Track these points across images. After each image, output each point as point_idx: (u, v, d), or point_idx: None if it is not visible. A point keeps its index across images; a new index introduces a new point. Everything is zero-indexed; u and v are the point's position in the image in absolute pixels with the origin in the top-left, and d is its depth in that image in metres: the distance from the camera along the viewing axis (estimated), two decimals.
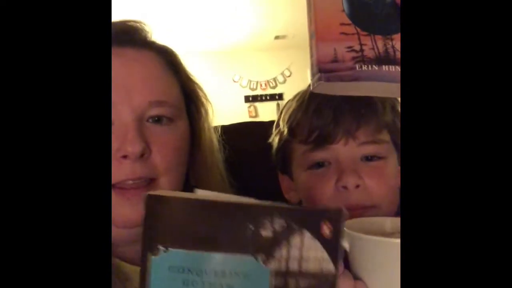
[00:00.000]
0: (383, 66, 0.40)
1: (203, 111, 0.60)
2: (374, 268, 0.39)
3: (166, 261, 0.28)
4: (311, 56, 0.40)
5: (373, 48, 0.40)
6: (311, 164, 0.59)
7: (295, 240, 0.27)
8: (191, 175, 0.57)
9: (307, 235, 0.28)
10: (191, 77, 0.59)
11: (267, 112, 4.50)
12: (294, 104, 0.62)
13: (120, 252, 0.50)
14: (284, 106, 0.66)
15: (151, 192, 0.31)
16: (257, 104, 4.69)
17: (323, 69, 0.39)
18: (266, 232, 0.27)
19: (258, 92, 4.69)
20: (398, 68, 0.40)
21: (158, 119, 0.50)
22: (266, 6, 3.44)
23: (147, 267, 0.29)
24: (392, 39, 0.40)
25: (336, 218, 0.28)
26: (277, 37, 4.30)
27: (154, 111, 0.49)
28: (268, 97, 4.69)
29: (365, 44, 0.40)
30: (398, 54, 0.40)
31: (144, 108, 0.49)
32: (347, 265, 0.41)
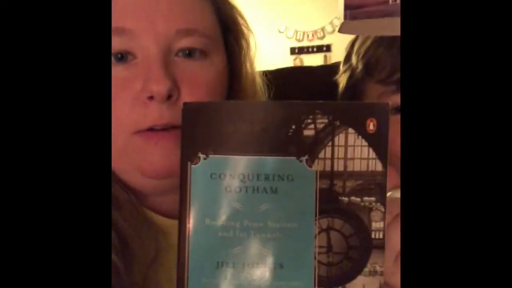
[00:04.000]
0: None
1: (243, 43, 0.51)
2: None
3: (207, 168, 0.28)
4: None
5: None
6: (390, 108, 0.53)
7: (340, 138, 0.26)
8: None
9: (352, 133, 0.26)
10: (229, 0, 0.50)
11: (313, 64, 4.44)
12: (372, 36, 0.54)
13: (152, 202, 0.47)
14: (356, 38, 0.58)
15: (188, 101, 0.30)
16: (303, 56, 4.55)
17: (349, 4, 0.35)
18: (309, 132, 0.26)
19: (305, 43, 4.52)
20: None
21: (189, 53, 0.43)
22: None
23: (187, 177, 0.28)
24: None
25: (382, 113, 0.26)
26: None
27: (183, 42, 0.42)
28: (315, 49, 4.49)
29: None
30: None
31: (171, 38, 0.41)
32: None
